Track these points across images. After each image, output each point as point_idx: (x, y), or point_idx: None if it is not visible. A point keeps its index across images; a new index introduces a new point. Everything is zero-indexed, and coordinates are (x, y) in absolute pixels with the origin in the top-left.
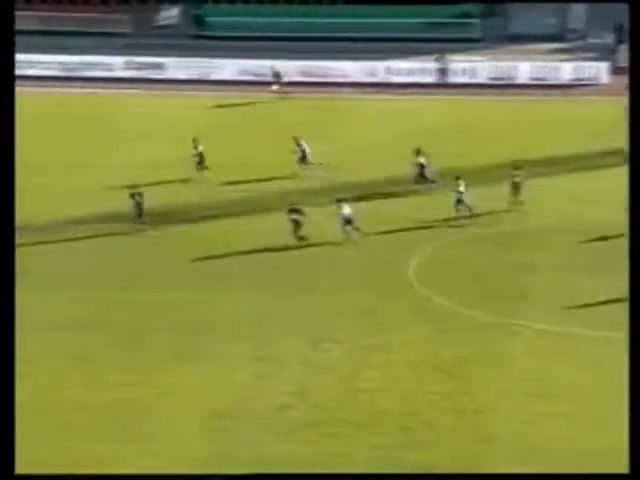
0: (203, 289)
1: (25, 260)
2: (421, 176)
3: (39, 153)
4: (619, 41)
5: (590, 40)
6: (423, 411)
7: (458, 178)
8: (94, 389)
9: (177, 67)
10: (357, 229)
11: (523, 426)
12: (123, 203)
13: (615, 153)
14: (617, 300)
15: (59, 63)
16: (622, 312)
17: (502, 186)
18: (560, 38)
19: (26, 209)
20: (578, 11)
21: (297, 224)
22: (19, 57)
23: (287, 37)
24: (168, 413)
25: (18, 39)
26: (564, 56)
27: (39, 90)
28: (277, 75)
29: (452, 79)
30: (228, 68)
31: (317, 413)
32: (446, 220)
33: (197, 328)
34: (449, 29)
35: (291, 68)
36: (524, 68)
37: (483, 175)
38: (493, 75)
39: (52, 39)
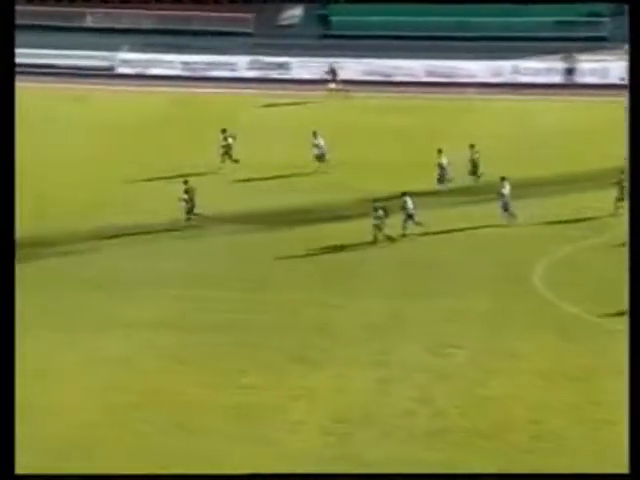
0: (323, 292)
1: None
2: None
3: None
4: None
5: None
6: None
7: (503, 179)
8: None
9: (301, 67)
10: (419, 224)
11: None
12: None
13: None
14: None
15: (182, 63)
16: None
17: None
18: None
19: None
20: None
21: (379, 224)
22: (140, 56)
23: (411, 36)
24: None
25: (136, 37)
26: None
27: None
28: (333, 72)
29: (580, 79)
30: (352, 67)
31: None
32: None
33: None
34: (577, 28)
35: (417, 67)
36: None
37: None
38: (625, 75)
39: (174, 38)
